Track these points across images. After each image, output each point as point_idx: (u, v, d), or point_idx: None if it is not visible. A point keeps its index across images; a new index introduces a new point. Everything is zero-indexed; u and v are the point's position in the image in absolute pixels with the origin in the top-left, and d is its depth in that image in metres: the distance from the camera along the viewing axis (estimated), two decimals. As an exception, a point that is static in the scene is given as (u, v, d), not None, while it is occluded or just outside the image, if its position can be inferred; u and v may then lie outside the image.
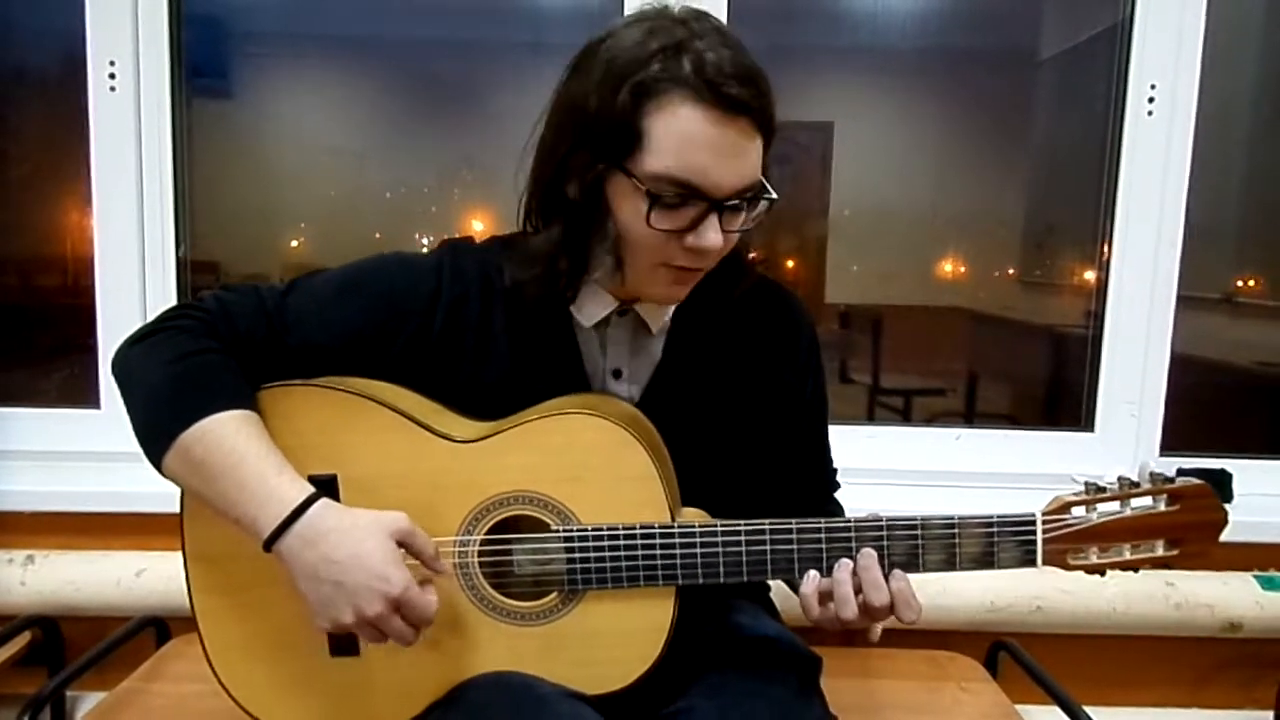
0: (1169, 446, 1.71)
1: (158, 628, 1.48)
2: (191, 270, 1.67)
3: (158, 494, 1.49)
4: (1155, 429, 1.70)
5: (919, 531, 0.89)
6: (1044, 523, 0.89)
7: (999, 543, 0.89)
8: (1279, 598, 1.53)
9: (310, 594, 0.84)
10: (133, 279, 1.62)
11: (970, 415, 1.92)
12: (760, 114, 0.85)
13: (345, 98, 1.86)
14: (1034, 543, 0.89)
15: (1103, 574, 0.91)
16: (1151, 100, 1.63)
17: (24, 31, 1.70)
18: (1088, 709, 1.27)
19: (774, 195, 0.89)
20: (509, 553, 0.93)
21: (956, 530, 0.89)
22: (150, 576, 1.48)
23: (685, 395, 1.00)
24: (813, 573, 0.90)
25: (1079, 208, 1.75)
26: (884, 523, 0.90)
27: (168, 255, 1.63)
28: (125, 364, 0.92)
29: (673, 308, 1.00)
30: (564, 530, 0.91)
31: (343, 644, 0.94)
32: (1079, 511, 0.89)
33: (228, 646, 0.95)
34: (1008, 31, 1.85)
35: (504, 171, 1.80)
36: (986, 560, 0.90)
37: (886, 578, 0.88)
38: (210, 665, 0.95)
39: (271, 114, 1.81)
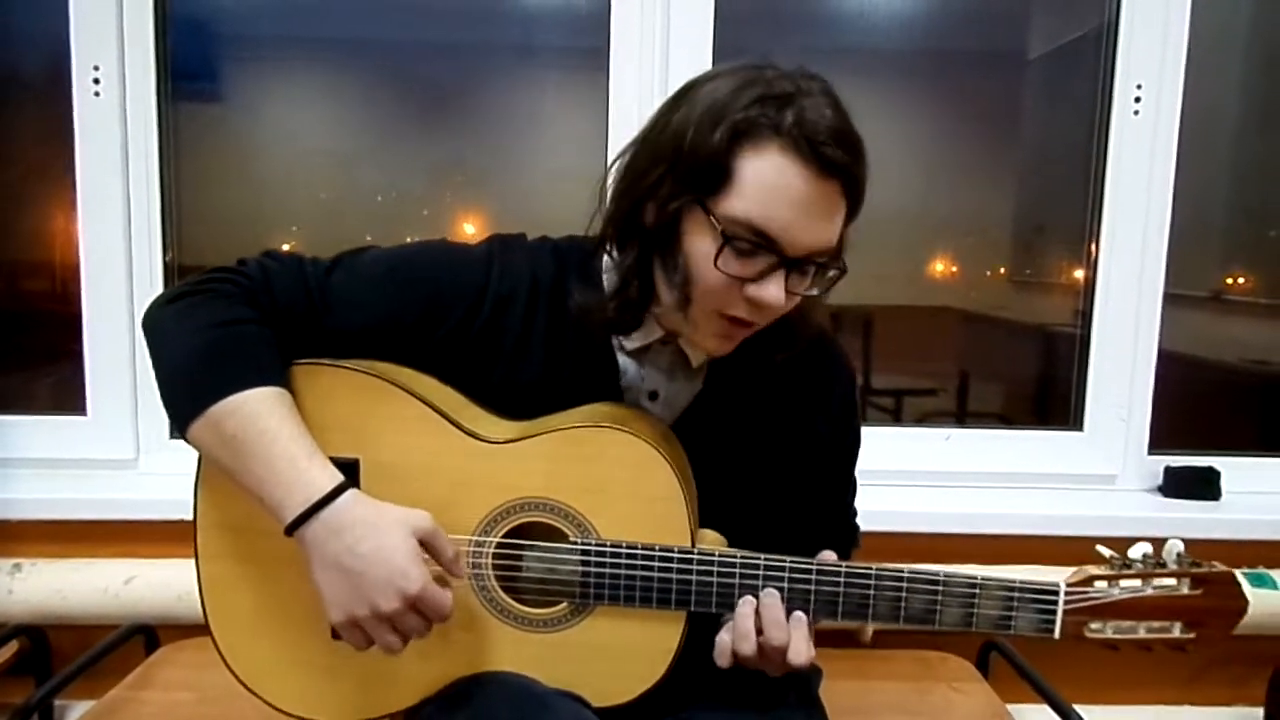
0: (1157, 444, 1.72)
1: (146, 636, 1.47)
2: (179, 275, 1.66)
3: (146, 501, 1.52)
4: (1144, 427, 1.71)
5: (940, 588, 0.89)
6: (1066, 594, 0.89)
7: (1018, 608, 0.89)
8: (1267, 595, 1.53)
9: (326, 585, 0.83)
10: (119, 284, 1.61)
11: (961, 415, 1.92)
12: (852, 182, 0.84)
13: (335, 100, 1.85)
14: (1054, 613, 0.89)
15: (1116, 649, 0.91)
16: (1137, 100, 1.64)
17: (8, 35, 1.69)
18: (1078, 708, 1.27)
19: (845, 267, 0.88)
20: (524, 558, 0.93)
21: (978, 591, 0.89)
22: (139, 584, 1.47)
23: (718, 429, 0.98)
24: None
25: (1067, 207, 1.76)
26: (905, 575, 0.89)
27: (154, 260, 1.63)
28: (159, 322, 0.90)
29: None
30: (582, 542, 0.90)
31: None
32: (1101, 585, 0.89)
33: (230, 618, 0.94)
34: (995, 32, 1.86)
35: (495, 174, 1.83)
36: (1004, 624, 0.89)
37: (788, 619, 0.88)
38: (211, 635, 0.94)
39: (261, 117, 1.81)
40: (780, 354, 0.97)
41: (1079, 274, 1.76)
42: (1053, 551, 1.56)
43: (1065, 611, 0.89)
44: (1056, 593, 0.89)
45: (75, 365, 1.63)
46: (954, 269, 1.89)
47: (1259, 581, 1.55)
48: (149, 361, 0.90)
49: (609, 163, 0.93)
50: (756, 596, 0.89)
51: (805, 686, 1.03)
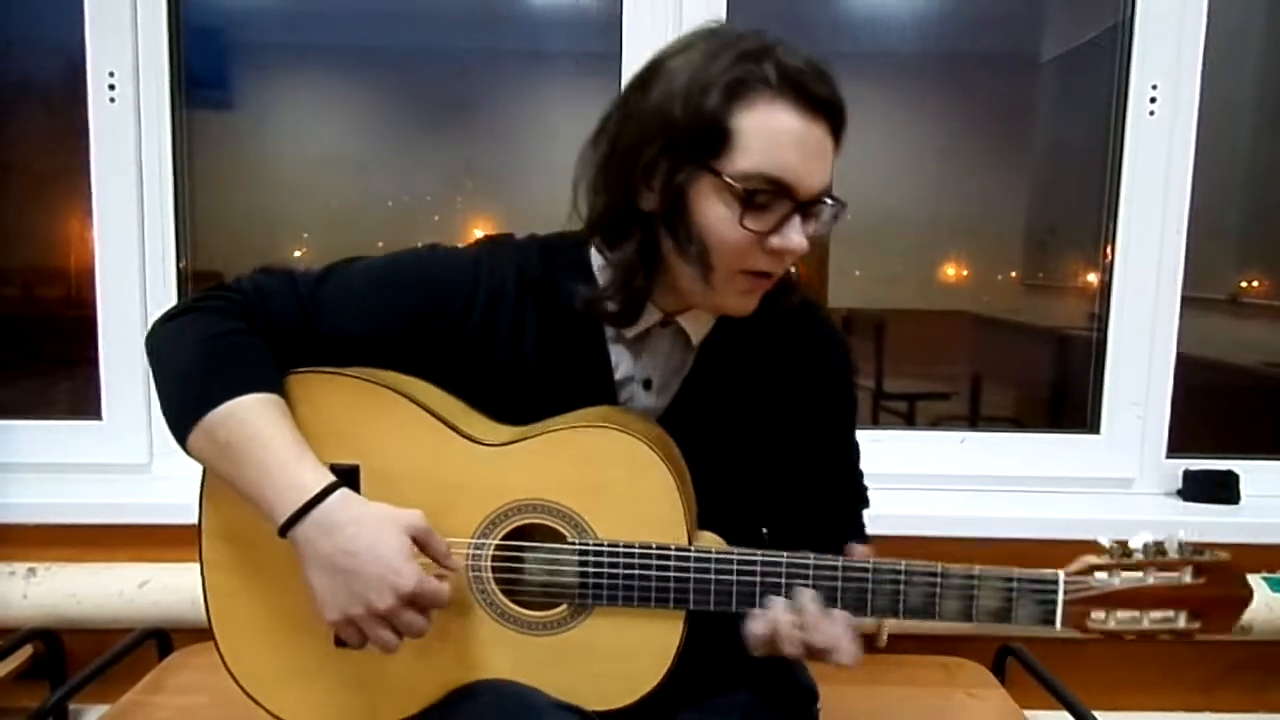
0: (1175, 448, 1.70)
1: (160, 640, 1.47)
2: (193, 281, 1.67)
3: (160, 505, 1.52)
4: (1161, 430, 1.69)
5: (938, 580, 0.88)
6: (1066, 583, 0.88)
7: (1018, 599, 0.88)
8: (1289, 600, 1.52)
9: (320, 584, 0.83)
10: (133, 290, 1.62)
11: (974, 419, 1.91)
12: (839, 115, 0.87)
13: (346, 107, 1.86)
14: (1054, 603, 0.88)
15: (1120, 639, 0.90)
16: (1153, 100, 1.62)
17: (25, 43, 1.70)
18: (1097, 714, 1.26)
19: (844, 201, 0.89)
20: (522, 560, 0.93)
21: (976, 582, 0.88)
22: (153, 588, 1.48)
23: (711, 410, 0.98)
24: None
25: (1082, 209, 1.74)
26: (903, 568, 0.89)
27: (168, 266, 1.63)
28: (156, 341, 0.92)
29: (713, 320, 0.98)
30: (580, 543, 0.90)
31: None
32: (1102, 575, 0.88)
33: (235, 628, 0.94)
34: (1008, 34, 1.85)
35: (505, 179, 1.83)
36: (1003, 615, 0.89)
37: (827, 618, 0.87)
38: (215, 644, 0.95)
39: (273, 124, 1.82)
40: (780, 305, 0.97)
41: (1092, 277, 1.75)
42: (1070, 556, 1.54)
43: (1066, 602, 0.88)
44: (1056, 583, 0.88)
45: (91, 371, 1.63)
46: (966, 272, 1.88)
47: (1279, 586, 1.53)
48: (154, 382, 0.92)
49: (577, 168, 0.93)
50: (788, 595, 0.88)
51: (802, 703, 1.02)
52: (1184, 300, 1.67)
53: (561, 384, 0.95)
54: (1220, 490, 1.66)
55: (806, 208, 0.86)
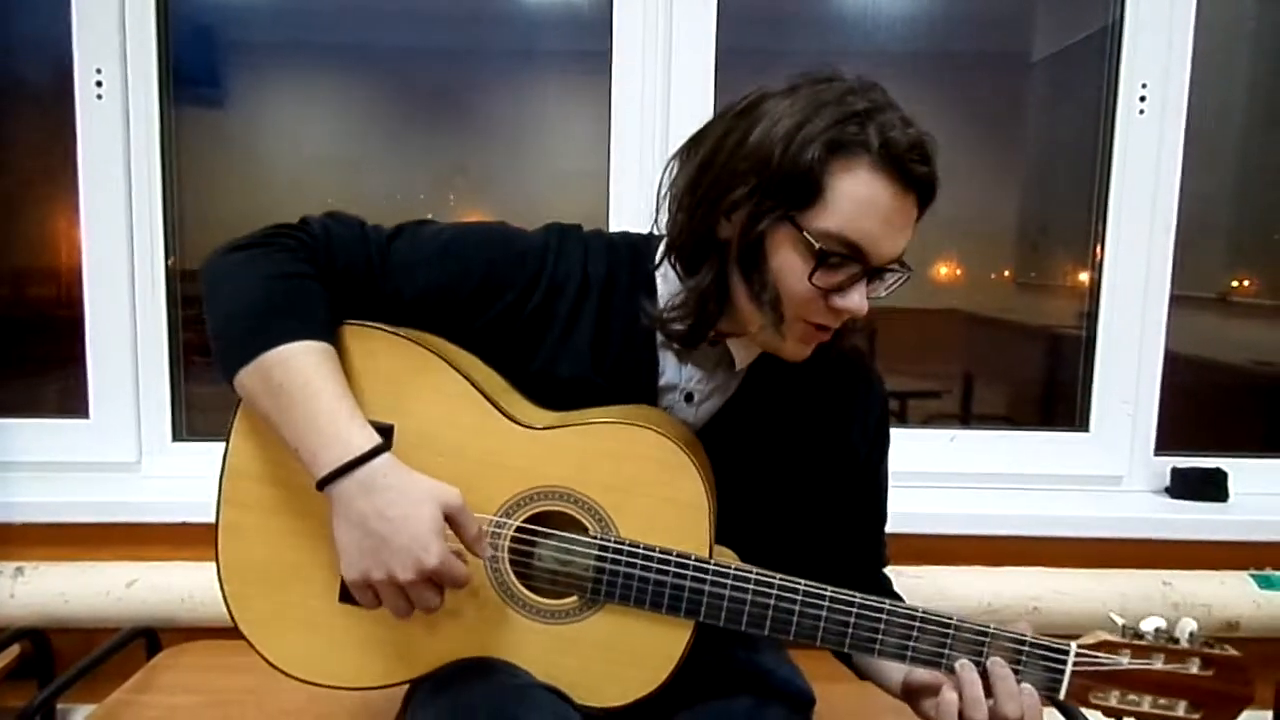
0: (1164, 445, 1.71)
1: (148, 639, 1.47)
2: (182, 280, 1.66)
3: (147, 504, 1.52)
4: (1150, 428, 1.70)
5: (950, 632, 0.89)
6: (1077, 656, 0.88)
7: (1026, 663, 0.89)
8: (1276, 596, 1.52)
9: (347, 542, 0.84)
10: (121, 288, 1.61)
11: (966, 417, 1.91)
12: (931, 193, 0.88)
13: (338, 105, 1.85)
14: (1062, 673, 0.88)
15: (1119, 719, 0.90)
16: (1143, 100, 1.63)
17: (12, 40, 1.69)
18: (1086, 711, 1.26)
19: (911, 268, 0.90)
20: (541, 546, 0.93)
21: (987, 640, 0.89)
22: (140, 587, 1.47)
23: (746, 436, 0.99)
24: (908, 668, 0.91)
25: (1073, 208, 1.75)
26: (918, 615, 0.89)
27: (157, 265, 1.63)
28: (219, 269, 0.92)
29: (759, 349, 0.99)
30: (601, 538, 0.90)
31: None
32: (1111, 653, 0.89)
33: (242, 567, 0.94)
34: (999, 34, 1.85)
35: (498, 177, 1.82)
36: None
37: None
38: (220, 583, 0.94)
39: (263, 122, 1.81)
40: (831, 351, 0.97)
41: (1084, 276, 1.76)
42: (1058, 553, 1.56)
43: (1074, 673, 0.88)
44: (1067, 652, 0.88)
45: (82, 370, 1.63)
46: (958, 271, 1.89)
47: (1267, 583, 1.54)
48: (207, 306, 0.91)
49: (662, 178, 0.94)
50: (979, 663, 0.89)
51: (798, 709, 1.02)
52: (1174, 299, 1.67)
53: (605, 384, 0.96)
54: (1209, 488, 1.66)
55: (875, 273, 0.87)
